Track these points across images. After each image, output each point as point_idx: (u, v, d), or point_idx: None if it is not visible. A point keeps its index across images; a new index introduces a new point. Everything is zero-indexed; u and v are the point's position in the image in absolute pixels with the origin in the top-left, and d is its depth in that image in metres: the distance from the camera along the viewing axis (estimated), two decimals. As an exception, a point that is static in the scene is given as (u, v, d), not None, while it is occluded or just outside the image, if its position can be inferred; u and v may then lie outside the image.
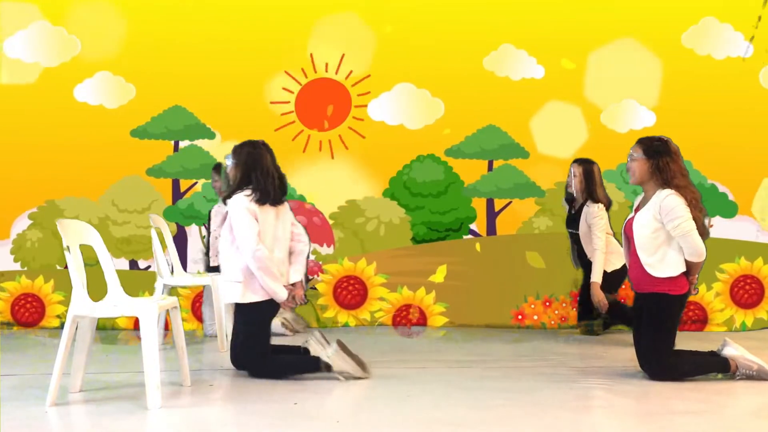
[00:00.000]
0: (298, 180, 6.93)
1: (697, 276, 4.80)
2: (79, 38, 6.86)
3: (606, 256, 6.20)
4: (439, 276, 6.96)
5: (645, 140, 4.83)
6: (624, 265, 6.12)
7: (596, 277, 6.15)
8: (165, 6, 6.90)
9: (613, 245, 6.23)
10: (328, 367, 4.76)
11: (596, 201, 6.29)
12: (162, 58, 6.84)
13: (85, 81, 6.86)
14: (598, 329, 6.36)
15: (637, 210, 4.85)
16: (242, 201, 4.76)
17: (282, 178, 4.95)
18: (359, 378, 4.77)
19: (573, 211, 6.49)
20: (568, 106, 6.97)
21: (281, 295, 4.75)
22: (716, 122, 6.90)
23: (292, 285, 4.89)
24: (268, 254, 4.72)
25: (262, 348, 4.81)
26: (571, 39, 6.96)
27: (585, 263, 6.37)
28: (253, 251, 4.67)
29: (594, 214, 6.23)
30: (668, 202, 4.63)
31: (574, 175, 6.41)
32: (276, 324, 5.47)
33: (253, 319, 4.78)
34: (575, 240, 6.43)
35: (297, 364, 4.89)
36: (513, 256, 6.99)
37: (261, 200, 4.78)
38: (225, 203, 5.03)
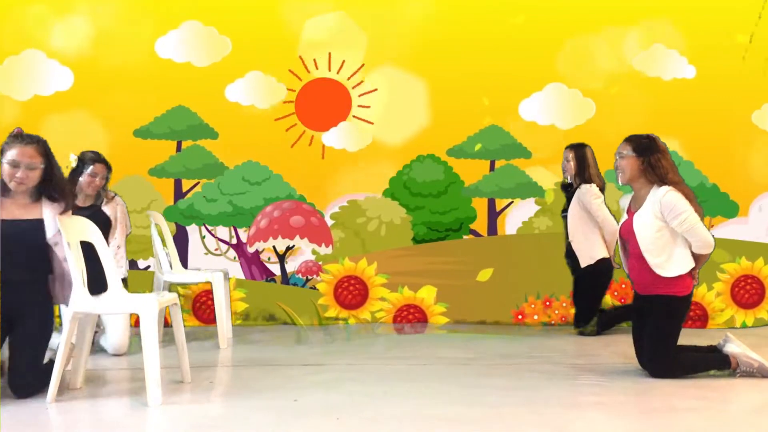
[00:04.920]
0: (299, 179, 6.96)
1: (698, 270, 4.79)
2: (230, 38, 6.93)
3: (599, 241, 6.32)
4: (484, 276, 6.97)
5: (633, 138, 4.81)
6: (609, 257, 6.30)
7: (610, 250, 6.32)
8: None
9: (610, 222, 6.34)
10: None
11: (589, 182, 6.32)
12: (99, 56, 6.84)
13: (236, 81, 6.93)
14: (592, 329, 6.36)
15: (629, 211, 4.82)
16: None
17: None
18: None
19: (568, 195, 6.54)
20: (720, 105, 6.94)
21: None
22: None
23: None
24: None
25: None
26: (723, 38, 6.95)
27: (571, 259, 6.44)
28: None
29: (588, 193, 6.26)
30: (668, 198, 4.60)
31: (568, 160, 6.45)
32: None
33: None
34: (567, 226, 6.49)
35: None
36: (513, 256, 6.99)
37: None
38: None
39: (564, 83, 7.04)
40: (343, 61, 6.98)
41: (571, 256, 6.46)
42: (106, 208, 5.77)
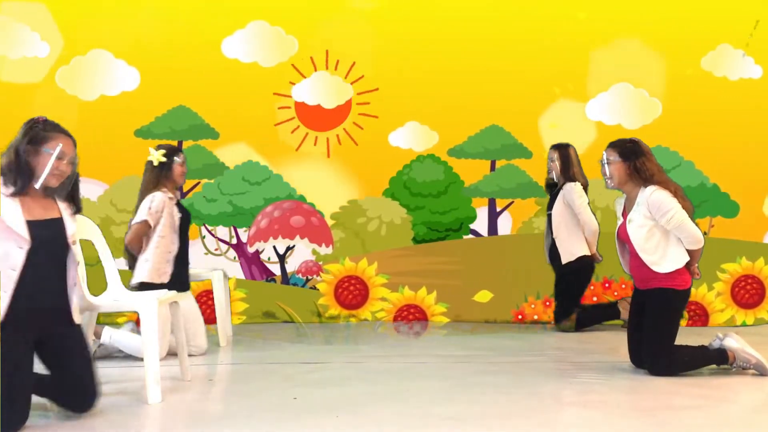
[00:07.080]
0: (299, 179, 6.98)
1: (697, 264, 4.83)
2: (297, 38, 6.95)
3: (581, 238, 6.38)
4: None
5: (618, 143, 4.88)
6: (590, 255, 6.39)
7: (592, 249, 6.41)
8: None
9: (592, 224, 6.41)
10: None
11: (573, 181, 6.39)
12: (167, 57, 6.86)
13: (302, 81, 6.95)
14: (570, 325, 6.42)
15: (624, 215, 4.87)
16: None
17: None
18: None
19: (553, 194, 6.59)
20: None
21: None
22: None
23: None
24: None
25: None
26: None
27: (553, 256, 6.48)
28: None
29: (573, 192, 6.34)
30: (655, 197, 4.66)
31: (552, 160, 6.52)
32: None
33: None
34: (550, 224, 6.51)
35: None
36: (513, 256, 6.99)
37: None
38: None
39: (630, 83, 7.03)
40: (354, 62, 7.01)
41: (553, 254, 6.49)
42: None
